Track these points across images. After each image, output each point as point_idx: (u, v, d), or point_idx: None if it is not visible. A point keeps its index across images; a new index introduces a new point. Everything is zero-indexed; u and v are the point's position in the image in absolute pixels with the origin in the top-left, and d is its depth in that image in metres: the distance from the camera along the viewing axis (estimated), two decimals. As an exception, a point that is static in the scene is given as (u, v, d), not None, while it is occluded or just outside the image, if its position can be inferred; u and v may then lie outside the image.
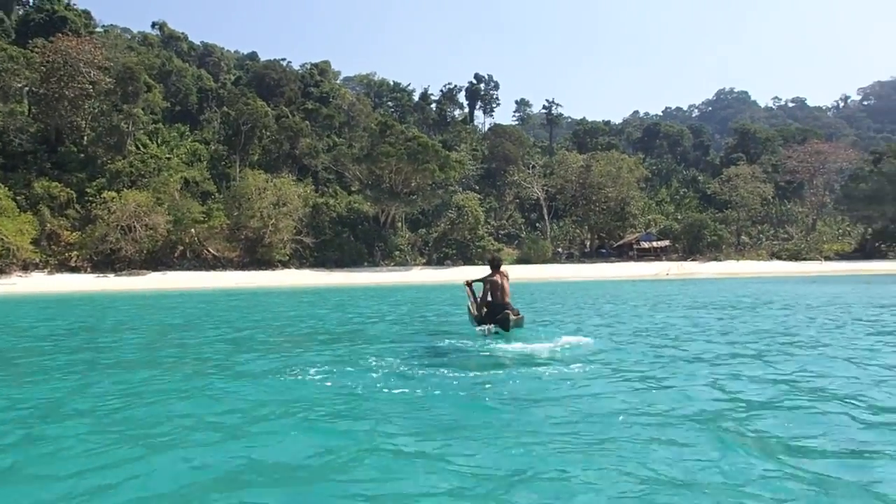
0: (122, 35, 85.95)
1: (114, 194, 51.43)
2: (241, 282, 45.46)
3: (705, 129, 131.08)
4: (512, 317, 10.92)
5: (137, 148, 62.51)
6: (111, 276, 47.39)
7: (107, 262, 49.70)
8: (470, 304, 12.38)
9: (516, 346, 9.77)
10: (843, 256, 67.78)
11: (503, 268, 11.88)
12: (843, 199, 71.78)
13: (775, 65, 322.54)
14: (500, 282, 11.57)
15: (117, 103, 59.53)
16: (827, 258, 65.84)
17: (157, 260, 52.58)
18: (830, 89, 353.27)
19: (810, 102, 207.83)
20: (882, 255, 66.91)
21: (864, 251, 69.16)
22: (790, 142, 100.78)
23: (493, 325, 11.04)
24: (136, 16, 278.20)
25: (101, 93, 57.85)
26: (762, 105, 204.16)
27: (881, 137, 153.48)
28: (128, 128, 60.35)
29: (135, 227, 50.27)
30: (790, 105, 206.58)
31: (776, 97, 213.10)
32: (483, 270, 13.13)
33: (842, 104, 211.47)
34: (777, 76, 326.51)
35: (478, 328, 11.45)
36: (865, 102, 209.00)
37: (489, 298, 11.63)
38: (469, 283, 12.71)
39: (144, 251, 51.02)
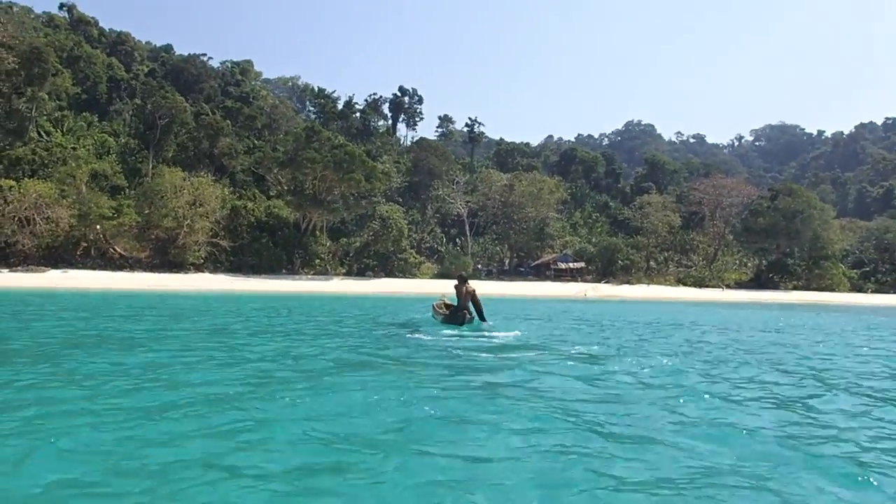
0: (26, 13, 79.90)
1: (12, 183, 47.32)
2: (153, 284, 42.80)
3: (616, 157, 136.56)
4: (467, 316, 16.38)
5: (40, 135, 58.02)
6: (5, 271, 43.39)
7: (0, 256, 45.63)
8: (435, 306, 18.70)
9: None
10: (740, 285, 72.32)
11: (472, 284, 16.98)
12: (743, 231, 76.64)
13: (679, 102, 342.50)
14: (463, 291, 16.63)
15: (20, 85, 55.00)
16: (728, 286, 70.04)
17: (56, 256, 48.71)
18: (727, 128, 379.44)
19: (709, 139, 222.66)
20: (774, 286, 72.02)
21: (759, 281, 74.12)
22: (694, 174, 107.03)
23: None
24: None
25: (2, 72, 53.28)
26: (666, 138, 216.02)
27: (770, 176, 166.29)
28: (30, 112, 55.95)
29: (34, 219, 46.44)
30: (691, 140, 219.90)
31: (679, 132, 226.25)
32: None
33: (736, 143, 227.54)
34: (680, 112, 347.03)
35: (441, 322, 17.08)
36: (757, 143, 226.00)
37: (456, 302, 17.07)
38: (445, 303, 18.79)
39: (43, 246, 47.21)
